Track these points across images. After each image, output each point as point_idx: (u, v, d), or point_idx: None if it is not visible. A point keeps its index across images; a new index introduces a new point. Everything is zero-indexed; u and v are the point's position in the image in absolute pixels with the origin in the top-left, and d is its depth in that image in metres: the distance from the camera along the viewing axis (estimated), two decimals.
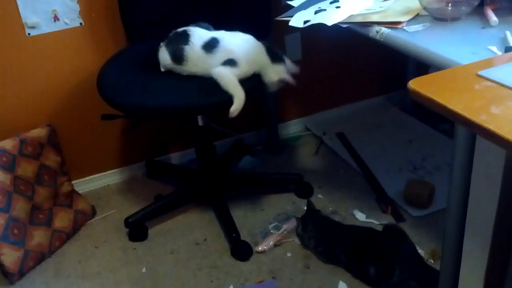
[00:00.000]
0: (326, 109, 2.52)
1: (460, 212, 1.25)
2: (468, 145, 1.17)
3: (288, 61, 1.69)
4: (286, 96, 2.41)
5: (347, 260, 1.70)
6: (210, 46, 1.62)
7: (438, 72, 1.03)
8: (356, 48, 2.36)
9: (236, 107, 1.56)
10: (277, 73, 1.63)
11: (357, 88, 2.54)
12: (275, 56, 1.64)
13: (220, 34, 1.68)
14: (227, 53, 1.61)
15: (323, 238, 1.76)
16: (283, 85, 1.67)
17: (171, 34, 1.70)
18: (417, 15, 1.38)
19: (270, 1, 1.91)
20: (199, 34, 1.66)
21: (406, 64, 2.46)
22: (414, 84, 0.97)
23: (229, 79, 1.59)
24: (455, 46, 1.20)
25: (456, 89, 0.96)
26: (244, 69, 1.61)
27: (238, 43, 1.65)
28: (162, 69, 1.71)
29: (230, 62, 1.60)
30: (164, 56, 1.67)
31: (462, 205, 1.24)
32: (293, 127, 2.48)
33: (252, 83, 1.64)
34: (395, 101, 2.59)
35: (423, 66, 2.35)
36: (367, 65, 2.50)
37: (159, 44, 1.71)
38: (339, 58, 2.42)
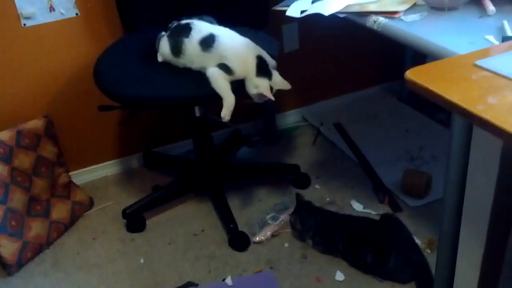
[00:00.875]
0: (323, 100, 2.52)
1: (457, 201, 1.26)
2: (465, 135, 1.17)
3: (277, 77, 1.64)
4: None
5: (344, 249, 1.71)
6: (207, 43, 1.60)
7: (435, 62, 1.03)
8: (353, 37, 2.36)
9: (225, 112, 1.57)
10: (256, 87, 1.60)
11: (354, 78, 2.54)
12: (262, 69, 1.60)
13: (220, 32, 1.64)
14: (220, 56, 1.59)
15: (321, 228, 1.77)
16: (266, 100, 1.63)
17: (174, 25, 1.68)
18: (414, 4, 1.38)
19: None
20: (199, 29, 1.64)
21: (403, 54, 2.45)
22: (411, 74, 0.97)
23: (220, 82, 1.59)
24: (452, 35, 1.20)
25: (453, 79, 0.96)
26: (237, 74, 1.60)
27: (234, 46, 1.62)
28: (160, 59, 1.71)
29: (224, 67, 1.59)
30: (164, 46, 1.66)
31: (458, 194, 1.25)
32: (290, 118, 2.48)
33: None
34: (392, 91, 2.59)
35: (420, 56, 2.35)
36: (364, 55, 2.50)
37: (161, 33, 1.70)
38: (336, 48, 2.42)
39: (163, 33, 1.69)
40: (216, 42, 1.60)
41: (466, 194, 1.22)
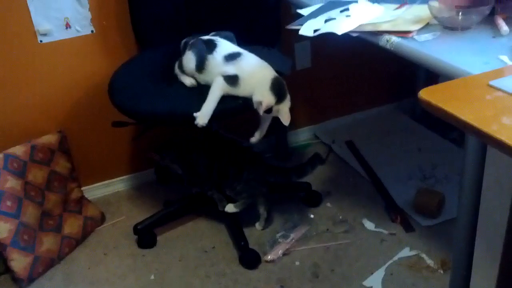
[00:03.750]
0: (335, 117, 2.52)
1: (471, 221, 1.25)
2: (479, 154, 1.17)
3: (285, 107, 1.66)
4: (295, 104, 2.38)
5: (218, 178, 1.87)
6: (230, 57, 1.62)
7: (449, 81, 1.03)
8: (365, 56, 2.36)
9: (198, 120, 1.57)
10: (262, 96, 1.58)
11: (366, 96, 2.54)
12: (275, 89, 1.61)
13: (243, 52, 1.66)
14: (237, 70, 1.61)
15: (190, 165, 1.88)
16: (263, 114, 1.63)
17: (196, 40, 1.70)
18: (427, 24, 1.38)
19: (279, 10, 1.92)
20: (224, 46, 1.67)
21: (416, 72, 2.45)
22: (425, 93, 0.97)
23: (214, 91, 1.60)
24: (465, 55, 1.20)
25: (467, 99, 0.96)
26: (239, 92, 1.62)
27: (252, 65, 1.64)
28: (180, 74, 1.71)
29: (231, 79, 1.61)
30: (190, 61, 1.66)
31: (472, 214, 1.24)
32: (302, 135, 2.48)
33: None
34: (405, 109, 2.58)
35: (433, 75, 2.35)
36: (376, 73, 2.50)
37: (183, 48, 1.71)
38: (348, 66, 2.43)
39: (187, 48, 1.70)
40: (238, 59, 1.62)
41: (480, 213, 1.21)
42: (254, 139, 1.74)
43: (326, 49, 2.30)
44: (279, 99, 1.62)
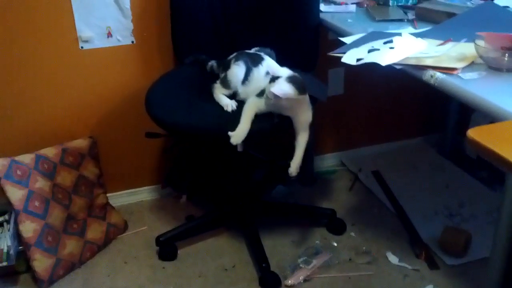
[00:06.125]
0: (363, 146, 2.51)
1: (504, 262, 1.23)
2: None
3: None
4: (324, 129, 2.41)
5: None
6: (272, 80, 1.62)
7: (498, 123, 1.02)
8: (398, 87, 2.36)
9: (233, 139, 1.57)
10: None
11: (396, 127, 2.53)
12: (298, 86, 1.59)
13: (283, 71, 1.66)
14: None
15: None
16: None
17: (242, 53, 1.71)
18: (472, 62, 1.38)
19: (319, 35, 1.93)
20: (268, 62, 1.69)
21: (447, 108, 2.44)
22: (474, 133, 0.97)
23: (247, 110, 1.61)
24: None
25: None
26: (271, 107, 1.61)
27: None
28: (217, 94, 1.72)
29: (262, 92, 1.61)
30: (237, 72, 1.66)
31: (506, 255, 1.22)
32: (328, 161, 2.48)
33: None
34: (433, 144, 2.57)
35: (465, 111, 2.34)
36: (407, 105, 2.49)
37: (224, 64, 1.74)
38: (380, 96, 2.42)
39: (235, 60, 1.71)
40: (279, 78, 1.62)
41: None
42: (292, 170, 1.72)
43: (360, 77, 2.30)
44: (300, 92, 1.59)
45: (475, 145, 0.95)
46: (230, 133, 1.58)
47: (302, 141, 1.71)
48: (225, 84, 1.72)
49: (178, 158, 2.17)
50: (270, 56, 1.74)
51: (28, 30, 1.88)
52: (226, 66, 1.73)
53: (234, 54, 1.75)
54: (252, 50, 1.74)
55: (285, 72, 1.64)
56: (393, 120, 2.51)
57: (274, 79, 1.59)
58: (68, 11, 1.90)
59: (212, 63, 1.87)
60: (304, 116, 1.67)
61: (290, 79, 1.59)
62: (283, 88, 1.56)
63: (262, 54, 1.71)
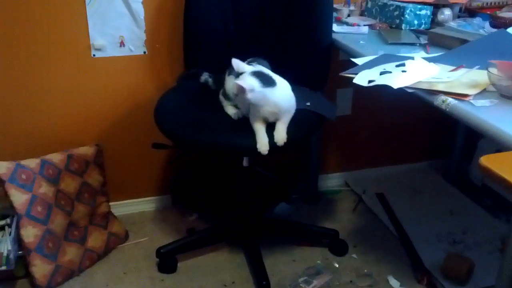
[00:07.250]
0: (368, 167, 2.50)
1: None
2: None
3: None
4: (329, 148, 2.41)
5: None
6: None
7: (511, 152, 1.01)
8: (405, 111, 2.36)
9: (260, 149, 1.58)
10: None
11: (401, 151, 2.53)
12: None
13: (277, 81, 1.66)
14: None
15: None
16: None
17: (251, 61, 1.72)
18: (484, 90, 1.38)
19: (330, 55, 1.94)
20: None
21: (454, 134, 2.44)
22: (486, 160, 0.96)
23: (252, 121, 1.62)
24: None
25: None
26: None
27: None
28: (224, 102, 1.72)
29: None
30: (252, 81, 1.59)
31: None
32: (332, 181, 2.47)
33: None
34: (438, 169, 2.56)
35: (472, 138, 2.34)
36: (414, 129, 2.50)
37: (225, 73, 1.74)
38: (387, 118, 2.43)
39: (247, 71, 1.66)
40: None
41: None
42: (278, 139, 1.62)
43: (368, 99, 2.30)
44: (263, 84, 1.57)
45: (488, 172, 0.95)
46: (258, 145, 1.59)
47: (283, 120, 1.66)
48: (226, 96, 1.73)
49: (184, 171, 2.17)
50: (264, 66, 1.74)
51: (41, 35, 1.89)
52: (222, 79, 1.74)
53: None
54: (247, 61, 1.74)
55: (250, 68, 1.63)
56: (399, 143, 2.51)
57: (238, 75, 1.60)
58: (82, 19, 1.91)
59: (205, 76, 1.88)
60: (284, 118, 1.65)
61: (254, 73, 1.59)
62: (247, 81, 1.55)
63: (255, 63, 1.70)
